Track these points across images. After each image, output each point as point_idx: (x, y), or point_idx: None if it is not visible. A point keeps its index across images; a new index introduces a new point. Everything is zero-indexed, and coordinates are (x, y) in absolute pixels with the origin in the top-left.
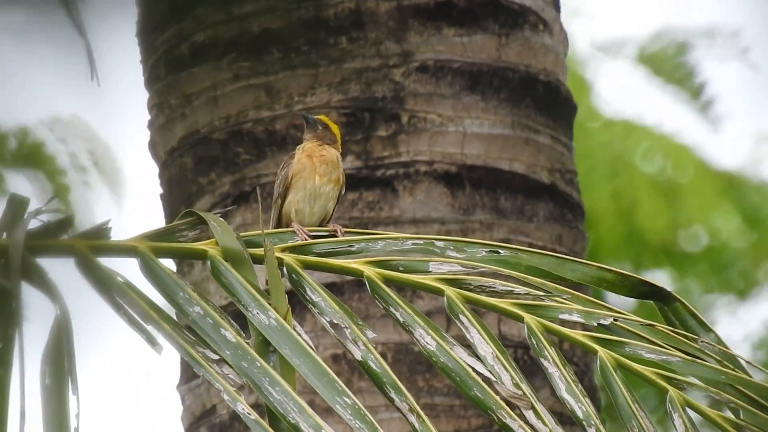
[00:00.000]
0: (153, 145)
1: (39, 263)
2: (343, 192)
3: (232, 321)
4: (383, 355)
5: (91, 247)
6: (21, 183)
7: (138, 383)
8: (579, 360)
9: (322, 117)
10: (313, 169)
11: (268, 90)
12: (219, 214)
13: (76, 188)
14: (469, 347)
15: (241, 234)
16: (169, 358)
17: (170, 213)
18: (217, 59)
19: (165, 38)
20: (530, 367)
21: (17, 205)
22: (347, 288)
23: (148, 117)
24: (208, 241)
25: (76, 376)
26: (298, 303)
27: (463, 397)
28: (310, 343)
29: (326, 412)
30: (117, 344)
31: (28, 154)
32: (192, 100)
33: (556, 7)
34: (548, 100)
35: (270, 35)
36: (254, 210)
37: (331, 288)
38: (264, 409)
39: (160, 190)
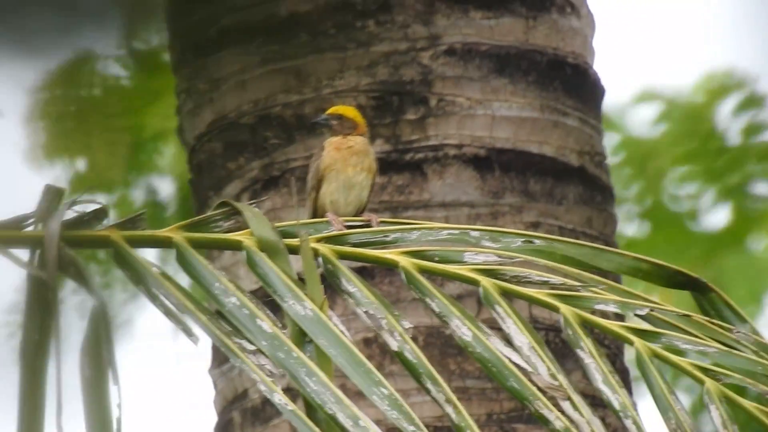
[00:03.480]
0: (181, 131)
1: (75, 254)
2: (377, 179)
3: (268, 311)
4: (414, 339)
5: (126, 238)
6: None
7: (169, 368)
8: (611, 343)
9: (332, 110)
10: (344, 161)
11: (297, 74)
12: (254, 204)
13: None
14: (500, 330)
15: (276, 224)
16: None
17: (199, 199)
18: (246, 43)
19: (193, 23)
20: (561, 350)
21: (53, 195)
22: (378, 272)
23: (176, 102)
24: (243, 231)
25: (116, 367)
26: (327, 287)
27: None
28: (347, 334)
29: (357, 395)
30: (145, 330)
31: None
32: (220, 85)
33: None
34: (577, 82)
35: (298, 19)
36: (284, 195)
37: (362, 272)
38: (296, 394)
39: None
